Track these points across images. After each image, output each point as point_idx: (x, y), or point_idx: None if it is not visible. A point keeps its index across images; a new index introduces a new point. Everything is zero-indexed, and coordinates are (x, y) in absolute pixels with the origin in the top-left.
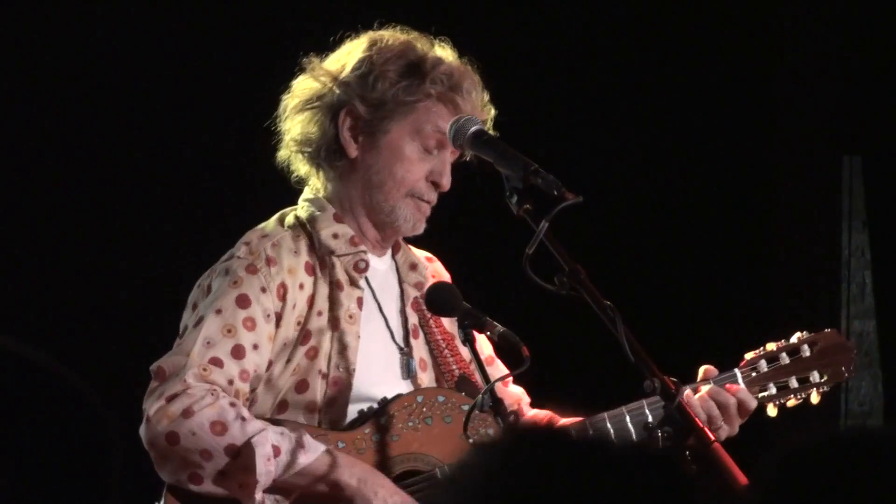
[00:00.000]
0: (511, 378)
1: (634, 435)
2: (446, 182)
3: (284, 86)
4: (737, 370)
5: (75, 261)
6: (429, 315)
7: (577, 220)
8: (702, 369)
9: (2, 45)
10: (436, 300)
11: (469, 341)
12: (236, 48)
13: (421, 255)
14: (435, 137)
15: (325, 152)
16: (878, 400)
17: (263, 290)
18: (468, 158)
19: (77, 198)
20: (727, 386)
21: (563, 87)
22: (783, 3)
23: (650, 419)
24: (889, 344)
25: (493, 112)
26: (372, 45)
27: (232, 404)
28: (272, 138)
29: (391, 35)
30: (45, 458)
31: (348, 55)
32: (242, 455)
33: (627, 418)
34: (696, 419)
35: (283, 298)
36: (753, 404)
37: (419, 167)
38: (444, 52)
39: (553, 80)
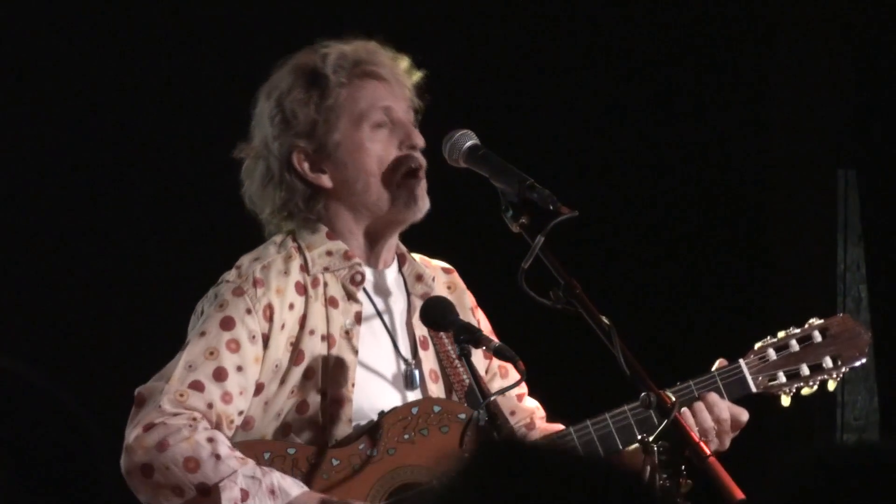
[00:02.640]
0: (525, 392)
1: (619, 443)
2: (417, 139)
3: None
4: (742, 361)
5: (74, 273)
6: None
7: (573, 234)
8: (717, 363)
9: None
10: (430, 315)
11: (465, 356)
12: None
13: (438, 265)
14: (377, 111)
15: (304, 202)
16: (873, 414)
17: (249, 311)
18: (420, 108)
19: (71, 207)
20: (711, 399)
21: (558, 104)
22: (779, 16)
23: (638, 432)
24: (884, 358)
25: (418, 75)
26: (268, 93)
27: (209, 440)
28: None
29: (275, 74)
30: (28, 471)
31: (260, 117)
32: (212, 496)
33: (611, 425)
34: (692, 434)
35: (270, 319)
36: (745, 418)
37: (384, 145)
38: (329, 47)
39: (549, 96)
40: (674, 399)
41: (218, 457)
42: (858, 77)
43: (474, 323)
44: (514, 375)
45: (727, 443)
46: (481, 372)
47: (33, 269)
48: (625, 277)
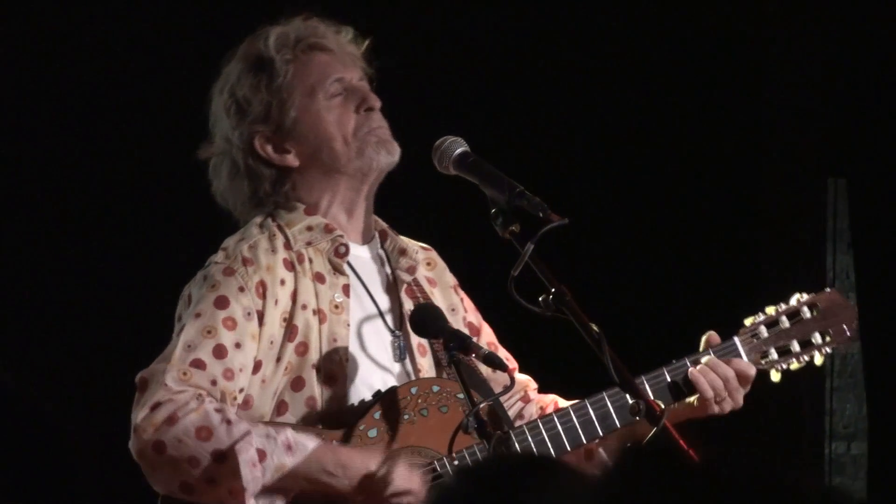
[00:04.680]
0: (516, 367)
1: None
2: (373, 101)
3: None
4: (736, 338)
5: (60, 270)
6: (422, 300)
7: (562, 242)
8: (704, 336)
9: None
10: (420, 321)
11: (455, 363)
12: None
13: (416, 244)
14: (331, 83)
15: (272, 186)
16: (862, 422)
17: (242, 289)
18: (373, 76)
19: (64, 203)
20: (712, 361)
21: (550, 109)
22: (770, 26)
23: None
24: (874, 366)
25: (364, 44)
26: (220, 89)
27: (218, 410)
28: None
29: (223, 69)
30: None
31: (216, 114)
32: (229, 460)
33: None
34: (681, 441)
35: (264, 296)
36: (752, 372)
37: (340, 112)
38: (270, 30)
39: (539, 101)
40: (663, 406)
41: (229, 422)
42: (849, 86)
43: (457, 302)
44: (503, 353)
45: (740, 399)
46: None
47: (11, 268)
48: (613, 287)
